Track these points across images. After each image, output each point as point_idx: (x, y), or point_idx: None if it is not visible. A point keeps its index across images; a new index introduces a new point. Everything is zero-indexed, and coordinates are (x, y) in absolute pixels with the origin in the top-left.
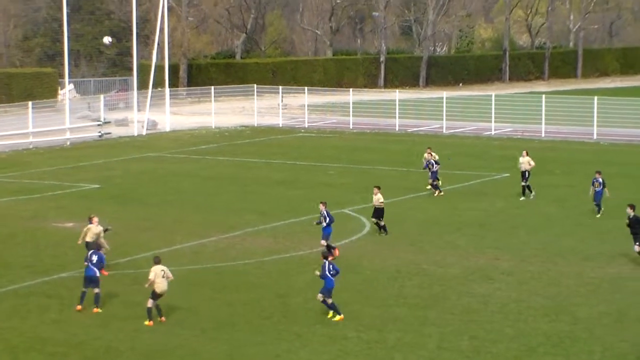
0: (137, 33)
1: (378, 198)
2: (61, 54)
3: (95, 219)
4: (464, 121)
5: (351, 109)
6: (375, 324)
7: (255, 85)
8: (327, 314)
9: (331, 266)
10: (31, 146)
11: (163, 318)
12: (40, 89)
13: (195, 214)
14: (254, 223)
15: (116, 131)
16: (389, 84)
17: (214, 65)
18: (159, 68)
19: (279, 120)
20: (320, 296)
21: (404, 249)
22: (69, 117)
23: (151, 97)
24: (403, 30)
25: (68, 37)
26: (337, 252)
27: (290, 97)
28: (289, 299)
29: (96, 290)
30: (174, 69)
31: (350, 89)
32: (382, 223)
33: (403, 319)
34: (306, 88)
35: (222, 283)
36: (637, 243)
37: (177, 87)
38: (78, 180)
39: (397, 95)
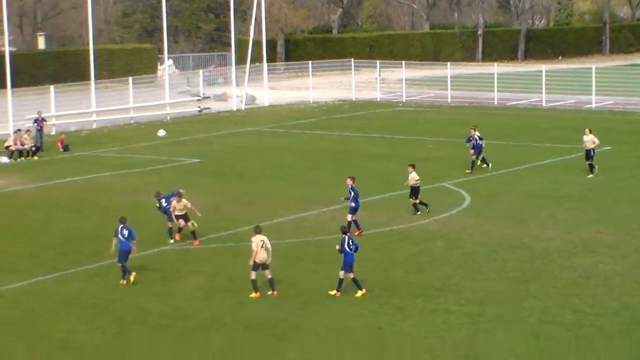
0: (234, 9)
1: (413, 177)
2: (160, 30)
3: (178, 195)
4: (564, 94)
5: (449, 83)
6: (477, 297)
7: (352, 59)
8: (427, 287)
9: (350, 241)
10: (132, 121)
11: (275, 292)
12: (140, 65)
13: (295, 188)
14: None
15: (215, 106)
16: (487, 57)
17: (311, 40)
18: (257, 43)
19: (376, 95)
20: (341, 273)
21: (505, 223)
22: (169, 93)
23: (249, 72)
24: (500, 3)
25: (167, 13)
26: (359, 233)
27: (388, 72)
28: (389, 272)
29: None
30: (271, 44)
31: (448, 63)
32: (418, 201)
33: (504, 292)
34: (403, 62)
35: (323, 256)
36: None
37: (275, 62)
38: (178, 154)
39: (496, 68)
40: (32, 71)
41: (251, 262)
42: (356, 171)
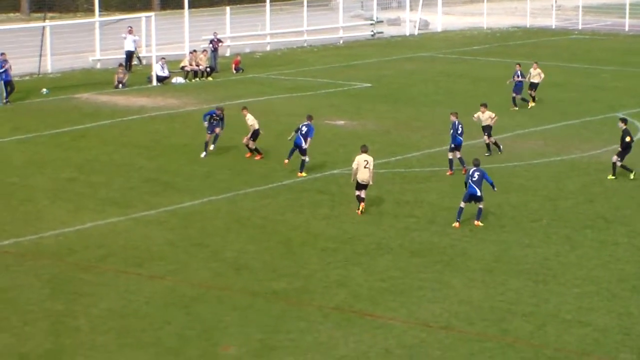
0: None
1: (489, 115)
2: None
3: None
4: None
5: (627, 10)
6: None
7: None
8: (597, 219)
9: (476, 174)
10: (305, 44)
11: (360, 208)
12: None
13: (466, 114)
14: (524, 125)
15: (388, 30)
16: None
17: None
18: None
19: (551, 22)
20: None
21: None
22: (342, 16)
23: None
24: None
25: None
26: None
27: None
28: (558, 202)
29: (303, 157)
30: None
31: None
32: (493, 140)
33: None
34: None
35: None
36: None
37: None
38: (350, 78)
39: None
40: None
41: (352, 180)
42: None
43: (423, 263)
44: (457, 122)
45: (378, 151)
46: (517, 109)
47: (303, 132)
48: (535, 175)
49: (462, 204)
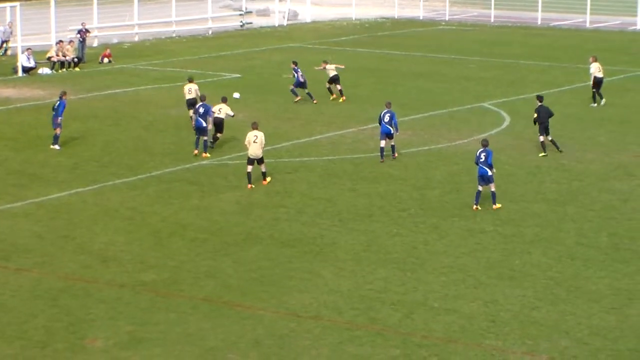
0: None
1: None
2: None
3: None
4: (608, 15)
5: (493, 2)
6: (514, 218)
7: None
8: (463, 208)
9: (483, 155)
10: (174, 34)
11: (265, 181)
12: None
13: (334, 105)
14: None
15: (257, 21)
16: None
17: None
18: None
19: (419, 13)
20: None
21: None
22: (211, 6)
23: None
24: None
25: None
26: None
27: None
28: (426, 191)
29: (204, 138)
30: None
31: None
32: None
33: (541, 214)
34: None
35: (360, 174)
36: None
37: None
38: (219, 69)
39: None
40: None
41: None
42: (398, 90)
43: (293, 253)
44: (385, 111)
45: (243, 143)
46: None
47: (201, 113)
48: (404, 165)
49: (479, 187)
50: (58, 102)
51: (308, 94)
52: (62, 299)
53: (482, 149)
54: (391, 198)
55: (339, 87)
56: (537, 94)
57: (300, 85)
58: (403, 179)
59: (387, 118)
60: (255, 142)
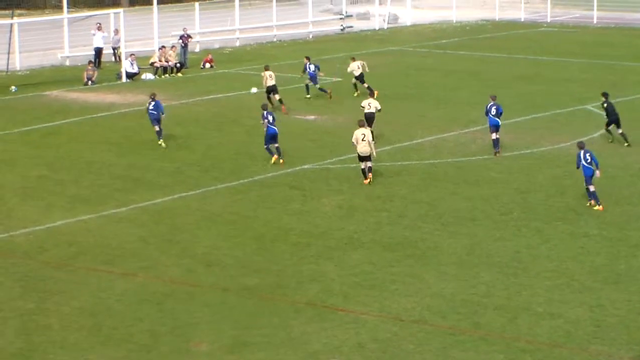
0: None
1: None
2: None
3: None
4: None
5: (595, 3)
6: (618, 221)
7: None
8: (568, 211)
9: (588, 154)
10: (275, 39)
11: (367, 179)
12: None
13: (435, 108)
14: None
15: (358, 24)
16: None
17: None
18: None
19: (520, 15)
20: (592, 187)
21: None
22: (312, 11)
23: None
24: None
25: None
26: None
27: None
28: (529, 195)
29: (276, 145)
30: None
31: None
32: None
33: None
34: None
35: (463, 177)
36: None
37: None
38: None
39: None
40: None
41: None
42: (499, 92)
43: (395, 257)
44: (491, 104)
45: (344, 147)
46: None
47: (271, 121)
48: (506, 168)
49: (591, 187)
50: (154, 102)
51: (320, 89)
52: (166, 303)
53: (583, 151)
54: (494, 201)
55: (365, 85)
56: (604, 91)
57: (312, 79)
58: (506, 182)
59: (493, 111)
60: (363, 140)
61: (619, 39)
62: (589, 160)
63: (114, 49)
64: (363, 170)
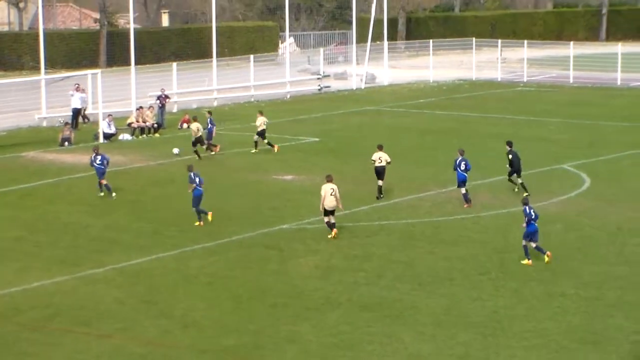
0: None
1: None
2: (282, 8)
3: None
4: None
5: (571, 63)
6: (595, 281)
7: (473, 38)
8: (544, 271)
9: (532, 211)
10: (252, 99)
11: (333, 233)
12: (262, 43)
13: (413, 168)
14: (472, 178)
15: (335, 85)
16: (611, 37)
17: (433, 18)
18: (378, 22)
19: (497, 74)
20: (524, 242)
21: (626, 206)
22: (289, 71)
23: (370, 50)
24: None
25: None
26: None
27: (509, 51)
28: (506, 254)
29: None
30: (392, 23)
31: (571, 42)
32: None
33: (624, 277)
34: (525, 41)
35: (440, 237)
36: None
37: (396, 40)
38: (297, 133)
39: (620, 48)
40: (155, 48)
41: (321, 209)
42: (476, 151)
43: (372, 317)
44: (460, 159)
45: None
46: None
47: (197, 182)
48: (483, 228)
49: (533, 244)
50: (100, 157)
51: (209, 146)
52: None
53: (529, 207)
54: (471, 261)
55: (265, 140)
56: (508, 140)
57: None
58: (483, 242)
59: (462, 166)
60: (331, 195)
61: (595, 98)
62: (533, 217)
63: (81, 109)
64: (328, 224)
